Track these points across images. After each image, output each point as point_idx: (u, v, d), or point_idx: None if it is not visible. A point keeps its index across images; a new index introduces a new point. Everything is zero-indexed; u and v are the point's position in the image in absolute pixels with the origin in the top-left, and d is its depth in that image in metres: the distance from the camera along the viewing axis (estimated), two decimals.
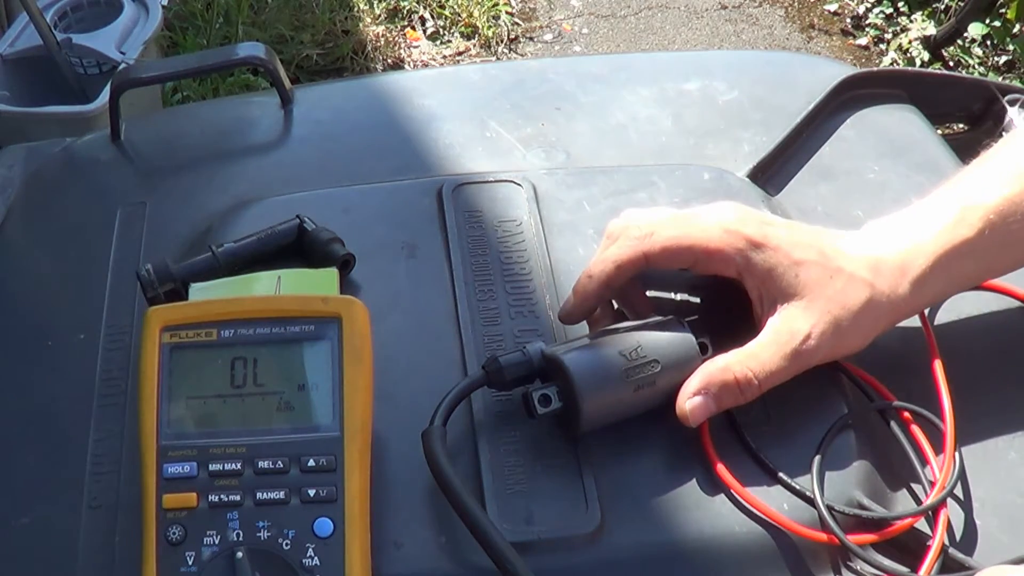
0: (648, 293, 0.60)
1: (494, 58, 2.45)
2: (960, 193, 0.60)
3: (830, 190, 0.73)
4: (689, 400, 0.55)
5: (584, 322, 0.60)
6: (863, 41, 2.58)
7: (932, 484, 0.54)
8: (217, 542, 0.48)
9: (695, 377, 0.55)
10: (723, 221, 0.57)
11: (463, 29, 2.51)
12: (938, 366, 0.58)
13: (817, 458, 0.55)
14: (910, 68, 1.58)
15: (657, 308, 0.59)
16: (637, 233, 0.57)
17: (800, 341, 0.55)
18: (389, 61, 2.40)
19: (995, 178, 0.59)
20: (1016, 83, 1.24)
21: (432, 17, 2.53)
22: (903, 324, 0.61)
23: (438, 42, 2.49)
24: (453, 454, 0.53)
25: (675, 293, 0.62)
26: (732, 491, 0.54)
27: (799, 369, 0.56)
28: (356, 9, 2.46)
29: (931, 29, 2.50)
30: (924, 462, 0.56)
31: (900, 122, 0.78)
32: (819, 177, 0.74)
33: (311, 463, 0.49)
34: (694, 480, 0.55)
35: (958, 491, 0.55)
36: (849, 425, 0.57)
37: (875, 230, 0.60)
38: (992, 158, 0.61)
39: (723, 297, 0.61)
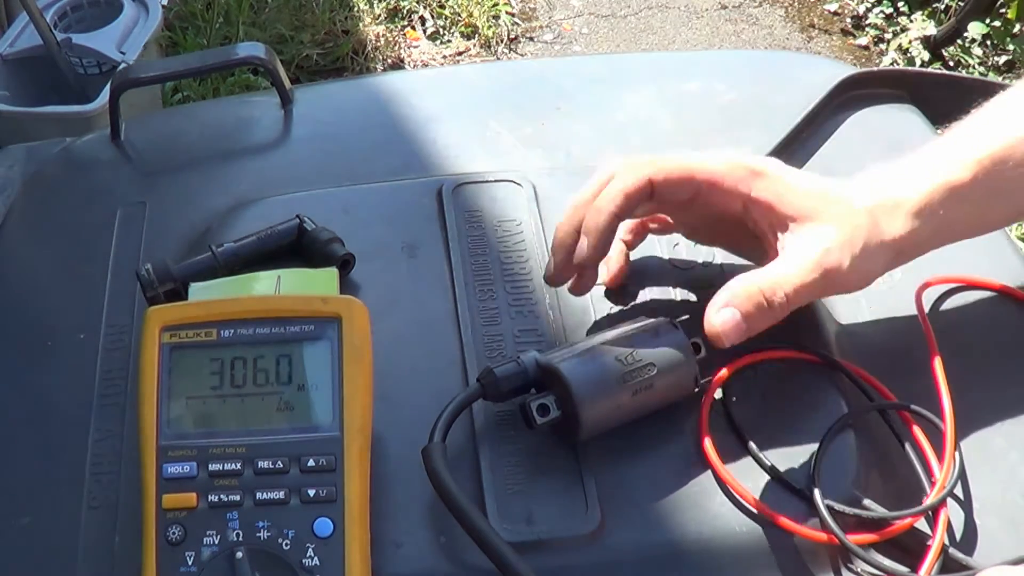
0: (646, 296, 0.60)
1: (494, 58, 2.45)
2: (954, 143, 0.60)
3: None
4: (718, 314, 0.53)
5: (579, 327, 0.60)
6: (863, 41, 2.58)
7: (932, 484, 0.54)
8: (217, 542, 0.48)
9: (721, 292, 0.54)
10: (724, 156, 0.57)
11: (463, 29, 2.51)
12: (938, 365, 0.58)
13: (817, 458, 0.55)
14: (910, 68, 1.58)
15: (656, 310, 0.59)
16: (639, 162, 0.56)
17: (823, 254, 0.54)
18: (389, 61, 2.40)
19: (988, 127, 0.59)
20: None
21: (432, 17, 2.53)
22: (904, 323, 0.61)
23: (438, 42, 2.49)
24: (453, 455, 0.53)
25: (674, 287, 0.62)
26: (732, 491, 0.54)
27: (825, 287, 0.54)
28: (356, 9, 2.46)
29: (931, 29, 2.50)
30: (924, 462, 0.56)
31: (900, 122, 0.78)
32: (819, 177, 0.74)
33: (311, 463, 0.49)
34: (694, 480, 0.55)
35: (958, 491, 0.55)
36: (849, 425, 0.57)
37: (869, 175, 0.60)
38: (985, 112, 0.62)
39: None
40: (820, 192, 0.56)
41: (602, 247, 0.56)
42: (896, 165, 0.60)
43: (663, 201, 0.58)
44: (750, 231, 0.58)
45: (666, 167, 0.56)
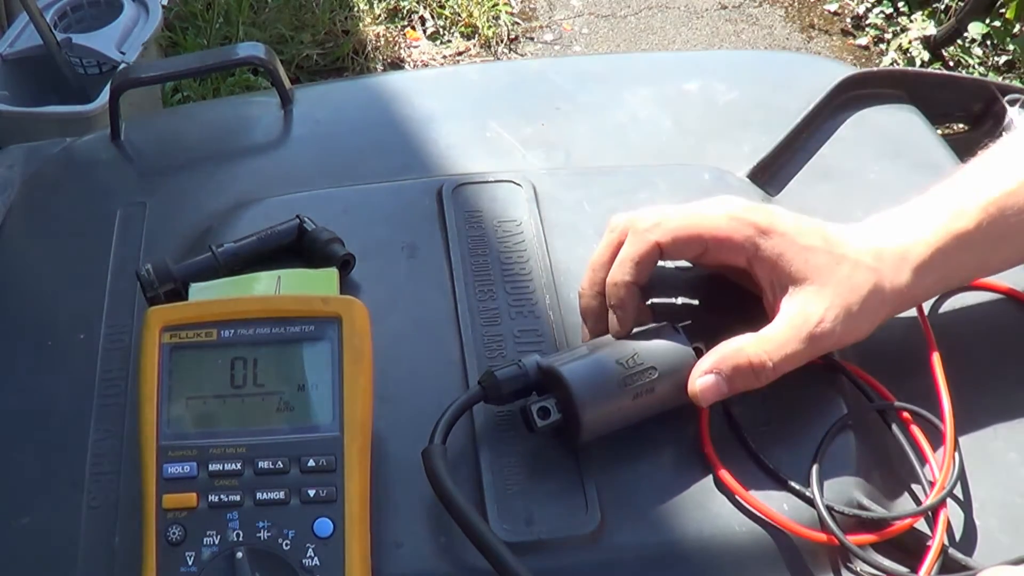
0: (649, 301, 0.60)
1: (494, 58, 2.45)
2: (959, 188, 0.60)
3: (830, 190, 0.73)
4: (700, 379, 0.54)
5: (579, 326, 0.60)
6: (863, 41, 2.58)
7: (932, 484, 0.54)
8: (217, 542, 0.48)
9: (708, 356, 0.55)
10: (729, 210, 0.57)
11: (463, 29, 2.51)
12: (937, 365, 0.58)
13: (817, 458, 0.55)
14: (910, 68, 1.58)
15: (658, 313, 0.59)
16: (645, 226, 0.57)
17: (815, 324, 0.55)
18: (389, 61, 2.40)
19: (993, 174, 0.60)
20: (1016, 83, 1.24)
21: (432, 17, 2.53)
22: (904, 324, 0.61)
23: (438, 42, 2.49)
24: (453, 456, 0.53)
25: (676, 297, 0.62)
26: (732, 492, 0.54)
27: (813, 354, 0.55)
28: (356, 9, 2.46)
29: (931, 29, 2.50)
30: (924, 462, 0.56)
31: (900, 122, 0.78)
32: (819, 177, 0.74)
33: (311, 463, 0.49)
34: (694, 481, 0.55)
35: (958, 491, 0.55)
36: (849, 425, 0.57)
37: (876, 223, 0.60)
38: (991, 155, 0.62)
39: (720, 299, 0.61)
40: (825, 249, 0.56)
41: (632, 316, 0.57)
42: (903, 211, 0.60)
43: (672, 259, 0.59)
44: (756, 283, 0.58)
45: (672, 228, 0.56)
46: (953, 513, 0.54)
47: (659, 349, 0.55)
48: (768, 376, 0.55)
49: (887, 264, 0.57)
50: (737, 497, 0.54)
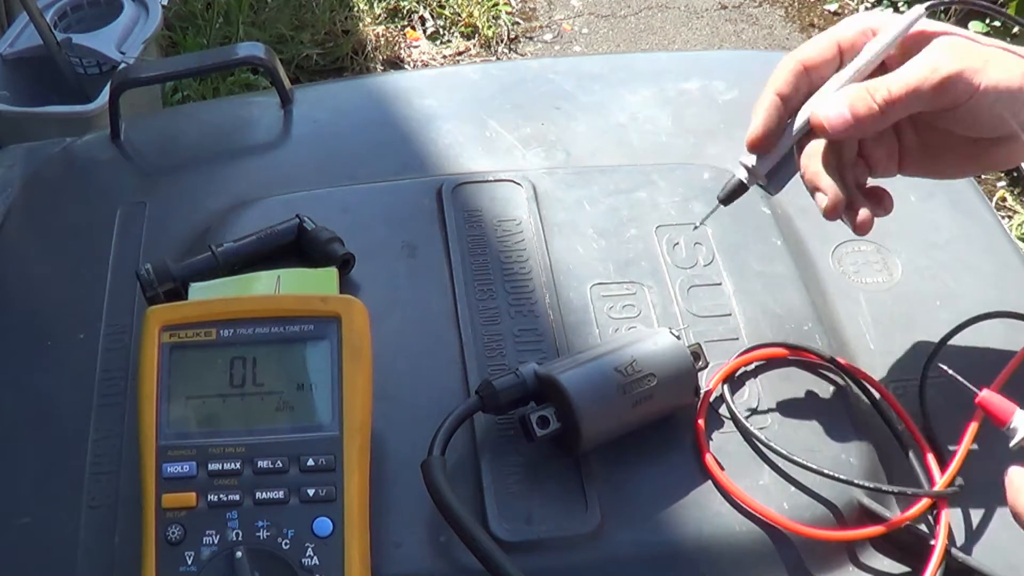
0: (647, 305, 0.59)
1: (494, 58, 2.45)
2: None
3: None
4: (824, 105, 0.54)
5: (579, 325, 0.60)
6: None
7: (932, 484, 0.54)
8: (216, 542, 0.48)
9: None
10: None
11: (463, 29, 2.51)
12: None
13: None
14: None
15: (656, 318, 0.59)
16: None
17: (932, 68, 0.53)
18: (389, 61, 2.40)
19: None
20: None
21: (432, 17, 2.53)
22: (905, 324, 0.61)
23: (438, 42, 2.49)
24: (453, 456, 0.53)
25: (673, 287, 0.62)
26: (731, 492, 0.54)
27: (935, 98, 0.53)
28: (356, 9, 2.46)
29: None
30: (924, 462, 0.56)
31: None
32: None
33: (310, 462, 0.49)
34: (694, 480, 0.55)
35: (958, 491, 0.55)
36: (849, 423, 0.57)
37: None
38: None
39: None
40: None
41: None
42: None
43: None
44: None
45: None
46: (953, 513, 0.54)
47: (658, 355, 0.55)
48: (887, 103, 0.53)
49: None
50: (736, 497, 0.54)
